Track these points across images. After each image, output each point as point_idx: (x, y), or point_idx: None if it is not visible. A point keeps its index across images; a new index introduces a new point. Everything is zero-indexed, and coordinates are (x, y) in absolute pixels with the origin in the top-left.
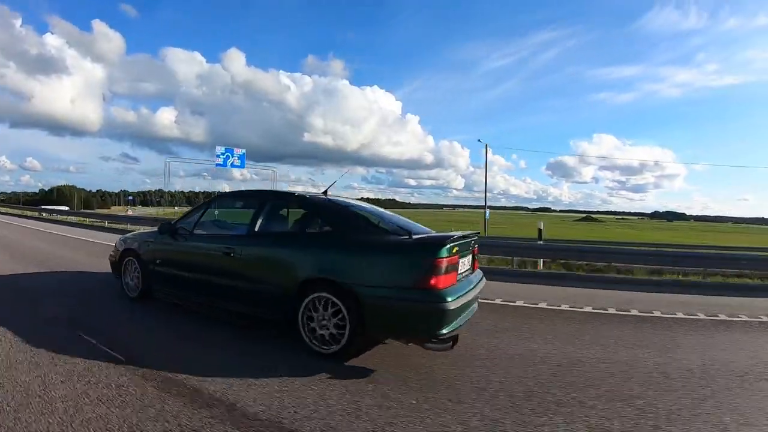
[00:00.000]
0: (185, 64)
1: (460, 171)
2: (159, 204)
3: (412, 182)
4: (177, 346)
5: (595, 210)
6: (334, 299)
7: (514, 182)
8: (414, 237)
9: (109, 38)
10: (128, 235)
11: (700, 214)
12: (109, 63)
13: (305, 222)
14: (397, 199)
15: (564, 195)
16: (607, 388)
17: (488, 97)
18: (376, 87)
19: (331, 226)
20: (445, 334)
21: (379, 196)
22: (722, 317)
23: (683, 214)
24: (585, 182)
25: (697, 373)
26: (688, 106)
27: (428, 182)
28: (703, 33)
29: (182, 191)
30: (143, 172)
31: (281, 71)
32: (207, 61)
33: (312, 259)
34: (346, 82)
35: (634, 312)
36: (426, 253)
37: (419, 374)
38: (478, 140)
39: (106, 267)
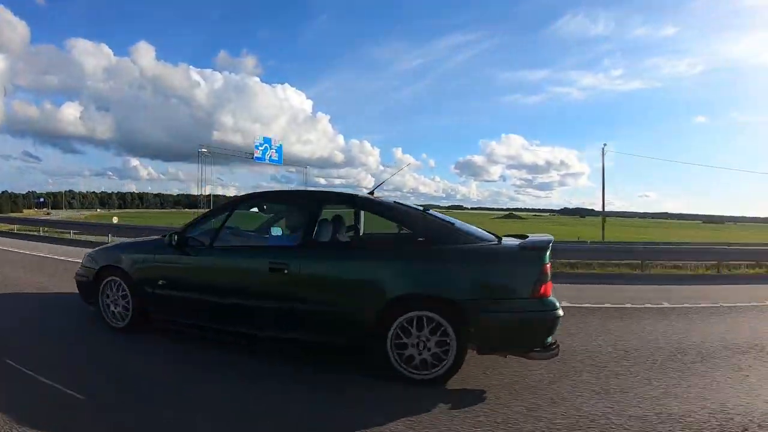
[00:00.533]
0: (92, 56)
1: (371, 170)
2: (71, 206)
3: (323, 181)
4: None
5: (505, 207)
6: (437, 317)
7: (424, 181)
8: (506, 242)
9: (13, 26)
10: (100, 248)
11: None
12: (12, 53)
13: (377, 228)
14: None
15: (473, 193)
16: None
17: (400, 97)
18: (287, 85)
19: (417, 234)
20: (550, 341)
21: None
22: None
23: (591, 209)
24: (493, 180)
25: None
26: (594, 108)
27: (338, 181)
28: (610, 40)
29: (94, 192)
30: (46, 171)
31: (191, 67)
32: (115, 54)
33: (404, 272)
34: (257, 79)
35: None
36: (535, 259)
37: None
38: (604, 144)
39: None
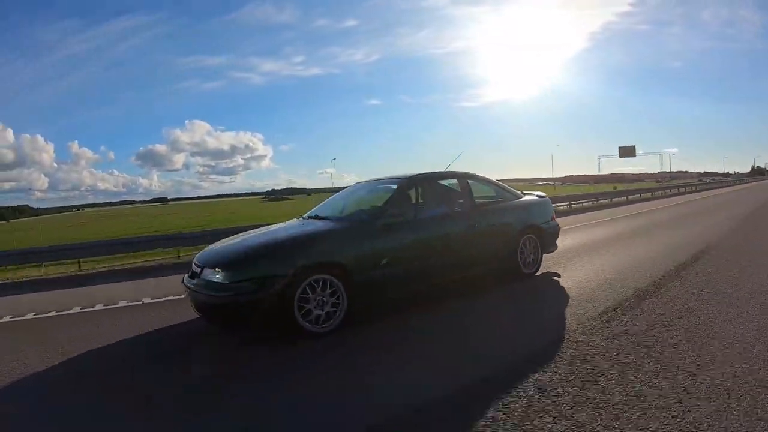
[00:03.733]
0: None
1: (44, 169)
2: None
3: None
4: None
5: (189, 197)
6: (533, 236)
7: (102, 176)
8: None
9: None
10: (260, 246)
11: (288, 187)
12: None
13: (489, 194)
14: None
15: (155, 185)
16: None
17: (72, 84)
18: None
19: (509, 193)
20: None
21: None
22: None
23: (304, 188)
24: (176, 170)
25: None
26: (275, 92)
27: (8, 185)
28: (294, 28)
29: None
30: None
31: None
32: None
33: (522, 214)
34: None
35: None
36: (549, 202)
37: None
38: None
39: None
